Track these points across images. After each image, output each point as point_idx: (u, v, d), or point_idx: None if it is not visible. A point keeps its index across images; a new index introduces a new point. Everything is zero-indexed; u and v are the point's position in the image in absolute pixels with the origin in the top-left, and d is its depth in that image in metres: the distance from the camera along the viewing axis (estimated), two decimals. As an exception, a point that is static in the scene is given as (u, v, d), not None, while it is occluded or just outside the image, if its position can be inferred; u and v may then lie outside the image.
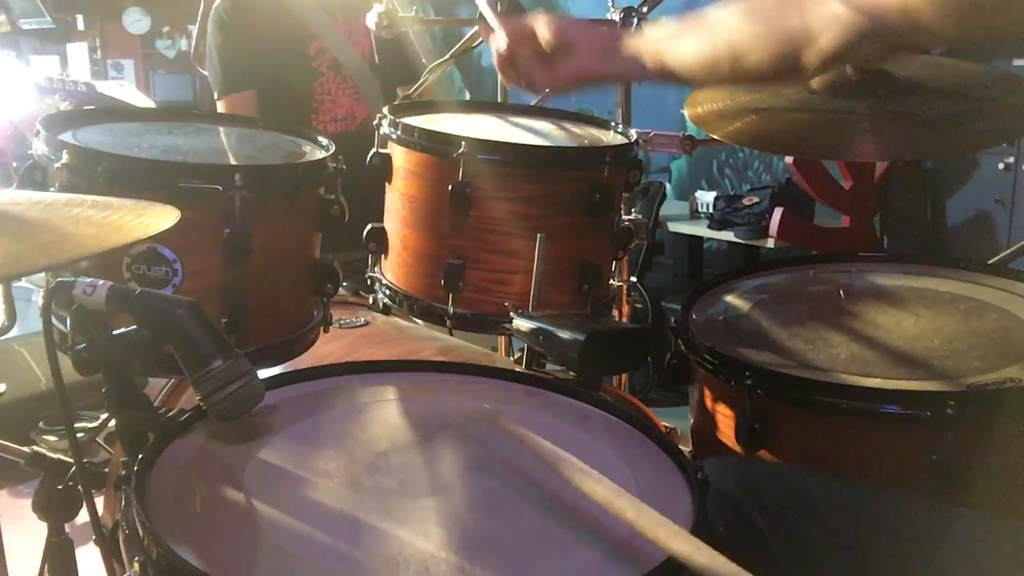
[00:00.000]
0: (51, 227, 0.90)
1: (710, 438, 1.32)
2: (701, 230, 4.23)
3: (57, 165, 1.14)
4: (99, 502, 1.34)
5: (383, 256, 1.51)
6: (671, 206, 4.50)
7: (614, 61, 1.27)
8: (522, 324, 1.31)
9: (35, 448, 1.19)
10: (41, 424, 2.95)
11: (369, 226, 1.49)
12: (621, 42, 1.27)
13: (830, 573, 0.99)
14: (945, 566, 0.96)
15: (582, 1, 5.11)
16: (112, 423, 1.02)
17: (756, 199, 4.04)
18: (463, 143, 1.32)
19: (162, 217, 0.94)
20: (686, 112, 1.66)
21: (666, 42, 1.21)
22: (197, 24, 2.52)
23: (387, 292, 1.49)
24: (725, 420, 1.28)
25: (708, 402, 1.33)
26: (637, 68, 1.24)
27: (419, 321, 1.62)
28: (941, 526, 1.01)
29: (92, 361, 0.96)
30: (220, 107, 2.43)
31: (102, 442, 2.22)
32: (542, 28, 1.28)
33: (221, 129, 1.46)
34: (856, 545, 1.00)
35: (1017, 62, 3.50)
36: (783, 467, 1.12)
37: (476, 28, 2.05)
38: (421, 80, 2.10)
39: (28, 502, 1.16)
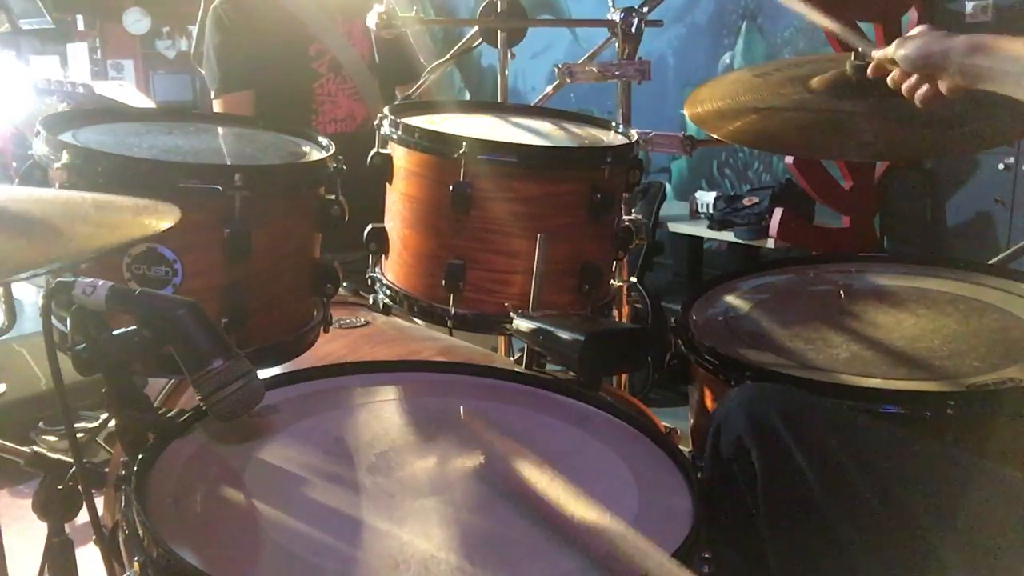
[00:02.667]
0: (51, 226, 0.89)
1: (724, 398, 1.30)
2: (701, 230, 4.23)
3: (57, 165, 1.14)
4: (99, 502, 1.34)
5: (383, 256, 1.51)
6: (671, 206, 4.50)
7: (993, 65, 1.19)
8: (522, 324, 1.31)
9: (35, 448, 1.19)
10: (41, 424, 2.95)
11: (369, 226, 1.49)
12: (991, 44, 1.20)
13: (864, 508, 0.99)
14: (972, 513, 0.97)
15: (583, 1, 5.11)
16: (112, 423, 1.02)
17: (756, 199, 4.03)
18: (464, 143, 1.32)
19: (162, 217, 0.94)
20: (686, 112, 1.66)
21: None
22: (197, 24, 2.52)
23: (387, 292, 1.49)
24: (725, 420, 1.28)
25: (708, 402, 1.33)
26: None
27: (419, 321, 1.62)
28: (971, 475, 1.01)
29: (92, 361, 0.96)
30: (216, 107, 2.42)
31: (102, 442, 2.22)
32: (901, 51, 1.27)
33: (221, 129, 1.46)
34: (891, 484, 1.00)
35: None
36: (825, 401, 1.11)
37: (476, 28, 2.06)
38: (421, 80, 2.10)
39: (28, 502, 1.16)
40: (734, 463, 1.04)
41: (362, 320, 1.65)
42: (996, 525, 0.98)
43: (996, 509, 0.98)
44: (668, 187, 4.66)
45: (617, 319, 1.83)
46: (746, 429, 1.04)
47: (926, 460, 1.04)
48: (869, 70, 1.40)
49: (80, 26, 7.19)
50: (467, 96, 5.76)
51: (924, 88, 1.28)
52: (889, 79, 1.34)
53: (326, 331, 1.38)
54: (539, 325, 1.28)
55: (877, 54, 1.38)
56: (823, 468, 1.00)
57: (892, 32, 3.56)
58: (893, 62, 1.32)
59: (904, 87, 1.31)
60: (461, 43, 2.10)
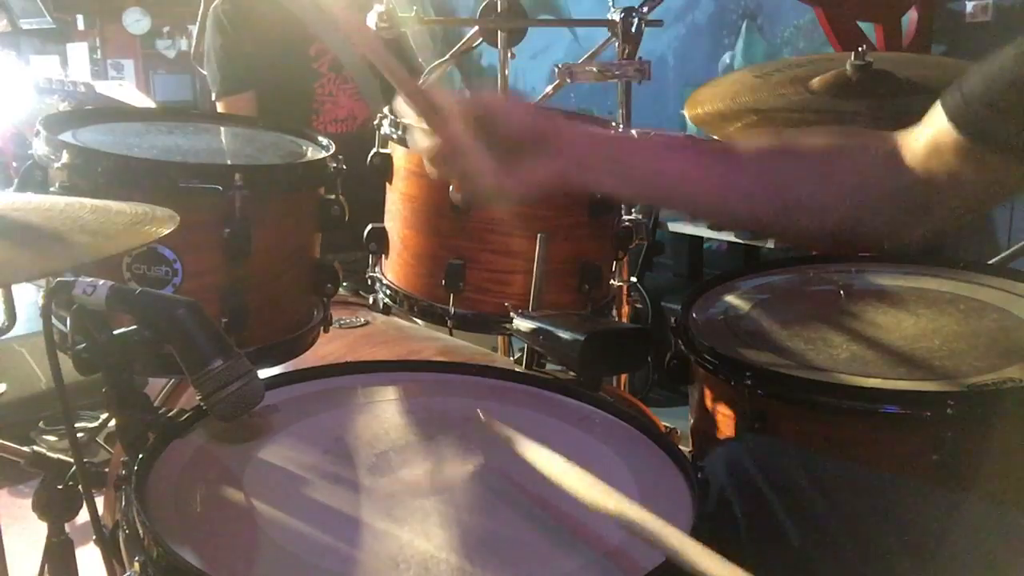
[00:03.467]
0: (50, 233, 0.89)
1: (710, 438, 1.31)
2: (701, 230, 4.23)
3: (57, 165, 1.14)
4: (99, 502, 1.34)
5: (383, 256, 1.51)
6: (671, 206, 4.50)
7: (605, 173, 1.03)
8: (522, 324, 1.31)
9: (35, 448, 1.19)
10: (41, 424, 2.95)
11: (369, 226, 1.49)
12: (616, 150, 1.06)
13: (844, 555, 0.99)
14: (954, 552, 0.96)
15: (582, 1, 5.11)
16: (112, 423, 1.02)
17: (756, 199, 4.03)
18: (463, 143, 1.32)
19: (161, 223, 0.94)
20: (686, 112, 1.66)
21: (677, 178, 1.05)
22: (197, 24, 2.52)
23: (387, 292, 1.49)
24: (725, 420, 1.28)
25: (708, 402, 1.33)
26: (633, 189, 1.07)
27: (419, 321, 1.62)
28: (951, 512, 1.01)
29: (92, 361, 0.96)
30: (219, 108, 2.42)
31: (102, 442, 2.22)
32: (506, 112, 1.01)
33: (221, 129, 1.46)
34: (871, 533, 1.00)
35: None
36: (801, 450, 1.11)
37: (476, 28, 2.06)
38: (421, 80, 2.10)
39: (28, 502, 1.16)
40: (717, 517, 1.04)
41: (362, 320, 1.65)
42: (977, 566, 0.97)
43: (976, 550, 0.98)
44: (668, 187, 4.66)
45: (617, 319, 1.83)
46: (728, 482, 1.04)
47: (907, 504, 1.03)
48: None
49: (80, 26, 7.19)
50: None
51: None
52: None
53: (326, 331, 1.38)
54: (539, 325, 1.28)
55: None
56: (801, 517, 1.01)
57: (892, 32, 3.56)
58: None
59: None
60: (461, 43, 2.10)
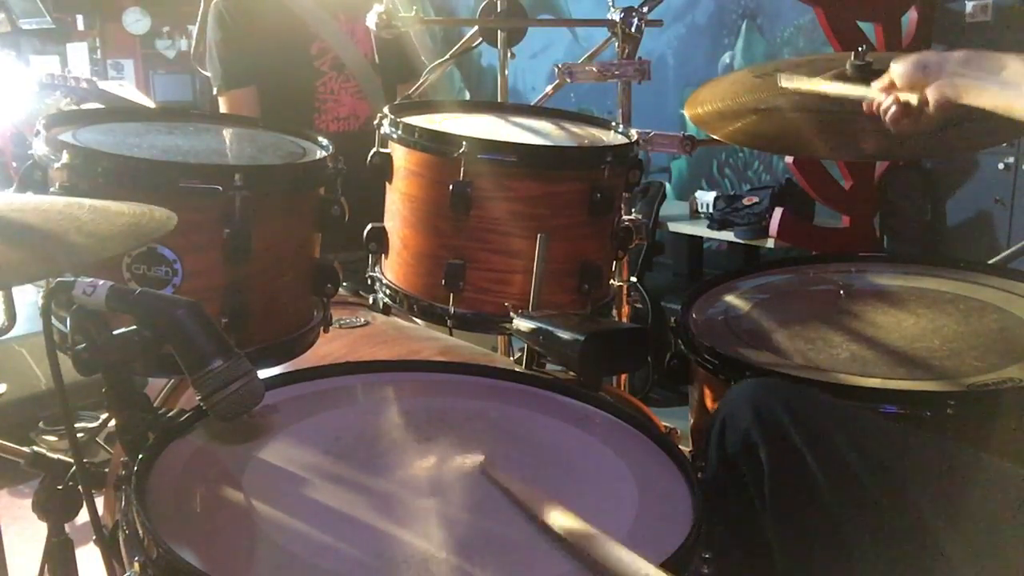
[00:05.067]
0: (50, 233, 0.89)
1: (728, 392, 1.30)
2: (701, 230, 4.23)
3: (57, 165, 1.14)
4: (99, 502, 1.33)
5: (383, 256, 1.51)
6: (671, 206, 4.50)
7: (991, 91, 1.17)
8: (522, 324, 1.31)
9: (35, 448, 1.19)
10: (41, 424, 2.96)
11: (369, 226, 1.49)
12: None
13: (871, 506, 1.00)
14: (988, 509, 0.97)
15: (582, 1, 5.11)
16: (112, 423, 1.02)
17: (756, 199, 4.03)
18: (464, 143, 1.32)
19: (160, 225, 0.94)
20: (686, 112, 1.66)
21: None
22: (197, 24, 2.51)
23: (387, 292, 1.49)
24: (725, 420, 1.28)
25: (708, 402, 1.33)
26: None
27: (419, 321, 1.62)
28: (976, 471, 1.02)
29: (92, 361, 0.96)
30: (221, 103, 2.42)
31: (102, 442, 2.23)
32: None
33: (221, 129, 1.46)
34: (897, 482, 1.01)
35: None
36: (830, 399, 1.11)
37: (476, 28, 2.06)
38: (421, 80, 2.10)
39: (28, 502, 1.16)
40: (740, 458, 1.04)
41: (362, 320, 1.65)
42: (1002, 522, 0.98)
43: (1002, 506, 0.98)
44: (668, 187, 4.66)
45: (617, 319, 1.83)
46: (754, 425, 1.04)
47: (932, 457, 1.04)
48: (865, 107, 1.35)
49: (80, 26, 7.19)
50: (467, 96, 5.76)
51: (906, 101, 1.25)
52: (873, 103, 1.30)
53: (326, 331, 1.38)
54: (539, 325, 1.28)
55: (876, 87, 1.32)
56: (830, 465, 1.01)
57: (892, 32, 3.56)
58: (891, 86, 1.28)
59: (887, 102, 1.28)
60: (461, 43, 2.10)
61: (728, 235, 4.06)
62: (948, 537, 0.97)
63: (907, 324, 1.37)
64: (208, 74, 2.45)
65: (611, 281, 1.53)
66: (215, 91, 2.42)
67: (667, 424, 1.40)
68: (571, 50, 4.82)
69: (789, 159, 3.75)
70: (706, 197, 4.25)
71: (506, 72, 2.11)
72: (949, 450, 1.06)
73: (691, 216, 4.33)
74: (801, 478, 1.01)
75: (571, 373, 1.28)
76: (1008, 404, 1.13)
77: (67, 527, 1.18)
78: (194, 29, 2.55)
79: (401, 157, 1.42)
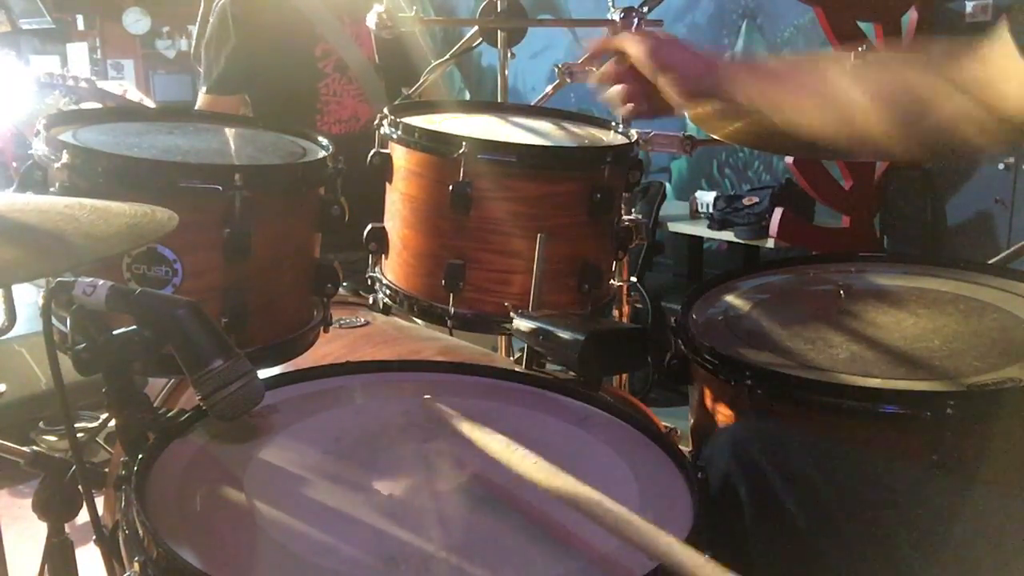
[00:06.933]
0: (50, 233, 0.89)
1: (710, 438, 1.31)
2: (701, 230, 4.23)
3: (57, 165, 1.14)
4: (99, 502, 1.34)
5: (383, 256, 1.51)
6: (671, 206, 4.50)
7: (711, 88, 1.20)
8: (522, 324, 1.31)
9: (35, 448, 1.19)
10: (41, 424, 2.96)
11: (369, 226, 1.49)
12: (720, 70, 1.21)
13: (850, 541, 1.00)
14: (959, 538, 0.97)
15: (583, 1, 5.11)
16: (112, 423, 1.02)
17: (756, 199, 4.04)
18: (464, 143, 1.32)
19: (160, 225, 0.94)
20: (686, 112, 1.66)
21: (768, 89, 1.17)
22: (197, 24, 2.51)
23: (387, 292, 1.49)
24: (725, 420, 1.28)
25: (708, 402, 1.33)
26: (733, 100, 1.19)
27: (419, 321, 1.62)
28: (956, 498, 1.02)
29: (92, 361, 0.96)
30: (202, 100, 2.41)
31: (102, 442, 2.23)
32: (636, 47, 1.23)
33: (221, 129, 1.46)
34: (875, 517, 1.01)
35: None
36: (808, 437, 1.12)
37: (476, 28, 2.06)
38: (421, 80, 2.10)
39: (28, 502, 1.16)
40: (721, 500, 1.04)
41: (362, 320, 1.65)
42: (979, 553, 0.97)
43: (979, 537, 0.98)
44: (668, 187, 4.66)
45: (617, 319, 1.83)
46: (732, 467, 1.05)
47: (910, 489, 1.04)
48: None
49: (80, 26, 7.20)
50: (467, 96, 5.77)
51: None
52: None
53: (326, 331, 1.38)
54: (539, 325, 1.28)
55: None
56: (807, 503, 1.01)
57: (892, 32, 3.57)
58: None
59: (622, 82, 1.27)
60: (461, 43, 2.10)
61: (728, 235, 4.06)
62: (924, 569, 0.97)
63: (907, 324, 1.37)
64: (202, 68, 2.44)
65: (611, 281, 1.53)
66: (202, 88, 2.41)
67: (667, 424, 1.40)
68: (571, 50, 4.82)
69: (789, 159, 3.76)
70: (706, 197, 4.25)
71: (506, 72, 2.11)
72: (929, 480, 1.06)
73: (691, 216, 4.33)
74: (779, 516, 1.01)
75: (571, 373, 1.28)
76: (1008, 404, 1.12)
77: (67, 527, 1.18)
78: (194, 29, 2.55)
79: (401, 157, 1.42)
